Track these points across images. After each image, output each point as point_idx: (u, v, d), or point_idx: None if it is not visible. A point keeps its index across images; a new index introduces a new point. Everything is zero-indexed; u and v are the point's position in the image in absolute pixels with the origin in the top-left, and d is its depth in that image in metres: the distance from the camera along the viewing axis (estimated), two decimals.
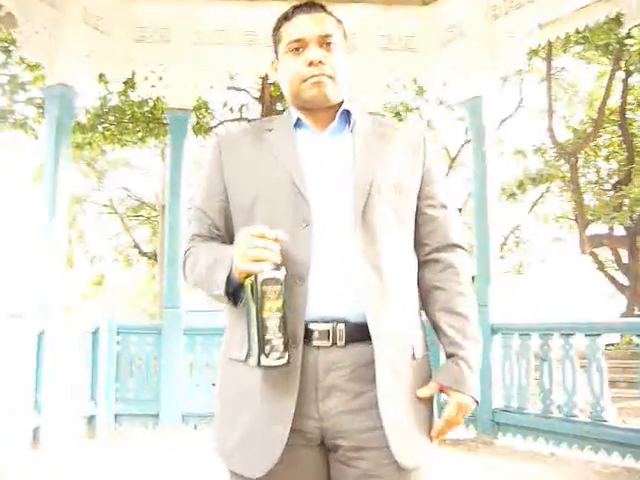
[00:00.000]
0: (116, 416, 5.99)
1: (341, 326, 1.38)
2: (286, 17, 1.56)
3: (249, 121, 17.66)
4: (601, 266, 18.39)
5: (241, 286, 1.36)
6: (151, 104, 13.29)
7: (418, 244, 1.54)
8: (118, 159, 20.70)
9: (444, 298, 1.51)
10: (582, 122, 17.46)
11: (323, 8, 1.57)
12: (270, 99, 15.34)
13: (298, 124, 1.55)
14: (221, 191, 1.52)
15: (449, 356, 1.48)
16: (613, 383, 5.11)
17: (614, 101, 15.69)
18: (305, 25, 1.51)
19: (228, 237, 1.53)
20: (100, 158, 19.99)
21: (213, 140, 1.68)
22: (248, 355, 1.36)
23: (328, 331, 1.38)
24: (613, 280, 18.31)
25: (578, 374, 5.11)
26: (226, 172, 1.52)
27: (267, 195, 1.44)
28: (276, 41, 1.59)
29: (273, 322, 1.28)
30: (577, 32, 7.63)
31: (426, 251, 1.54)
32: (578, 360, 5.16)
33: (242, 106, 16.59)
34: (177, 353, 6.08)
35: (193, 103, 6.72)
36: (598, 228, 17.30)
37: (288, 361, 1.29)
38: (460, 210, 18.79)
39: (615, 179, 17.34)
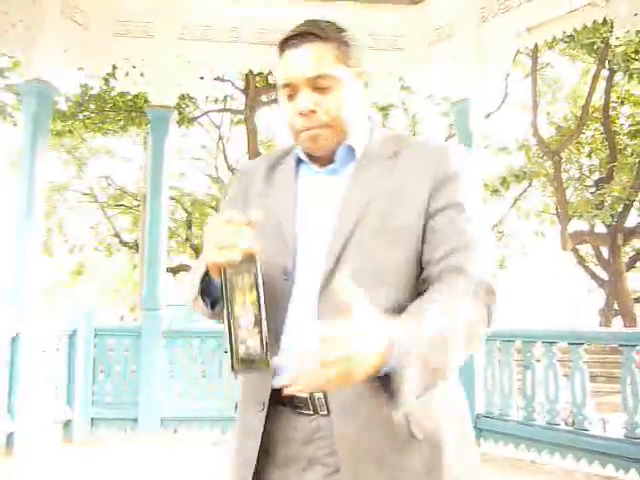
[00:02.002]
0: (93, 420, 5.88)
1: (319, 395, 1.21)
2: (278, 53, 1.35)
3: (232, 112, 17.50)
4: (582, 261, 18.53)
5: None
6: (133, 93, 13.10)
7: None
8: (99, 147, 20.46)
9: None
10: (566, 118, 17.51)
11: (318, 36, 1.29)
12: (255, 90, 15.20)
13: (302, 160, 1.40)
14: None
15: None
16: (592, 377, 5.13)
17: (597, 98, 15.72)
18: (293, 66, 1.28)
19: None
20: (81, 146, 19.74)
21: (235, 174, 1.61)
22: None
23: (306, 399, 1.23)
24: (594, 275, 18.47)
25: (561, 382, 5.10)
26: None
27: (260, 241, 1.24)
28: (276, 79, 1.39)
29: (246, 319, 1.09)
30: (563, 33, 7.59)
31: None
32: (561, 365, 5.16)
33: (226, 97, 16.43)
34: (156, 356, 5.98)
35: (175, 100, 6.58)
36: (579, 224, 17.41)
37: (267, 364, 1.10)
38: None
39: (597, 176, 17.44)
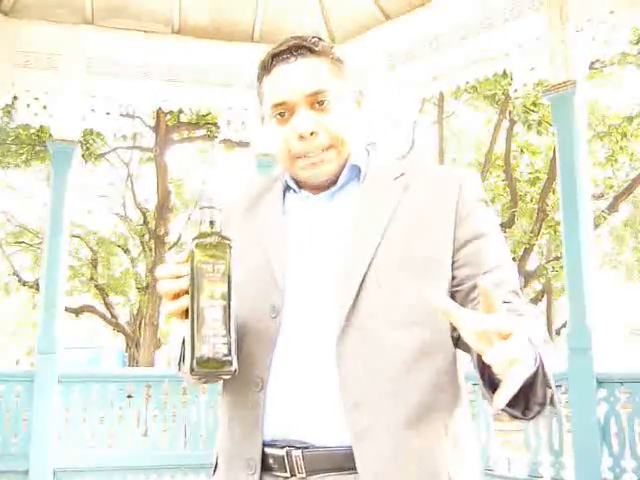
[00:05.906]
0: None
1: (297, 452, 1.04)
2: (264, 67, 1.23)
3: (141, 150, 17.16)
4: None
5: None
6: (36, 126, 12.64)
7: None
8: None
9: None
10: (470, 165, 18.26)
11: (310, 50, 1.20)
12: (165, 128, 15.02)
13: (290, 186, 1.27)
14: None
15: None
16: (497, 416, 5.20)
17: (499, 147, 16.53)
18: (287, 82, 1.17)
19: None
20: None
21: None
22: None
23: (282, 457, 1.06)
24: None
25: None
26: None
27: (243, 276, 1.10)
28: (259, 97, 1.27)
29: (213, 313, 0.94)
30: (467, 83, 7.95)
31: None
32: None
33: (135, 134, 16.12)
34: (50, 402, 5.60)
35: (80, 135, 6.35)
36: None
37: (232, 368, 0.95)
38: None
39: (499, 220, 18.23)
